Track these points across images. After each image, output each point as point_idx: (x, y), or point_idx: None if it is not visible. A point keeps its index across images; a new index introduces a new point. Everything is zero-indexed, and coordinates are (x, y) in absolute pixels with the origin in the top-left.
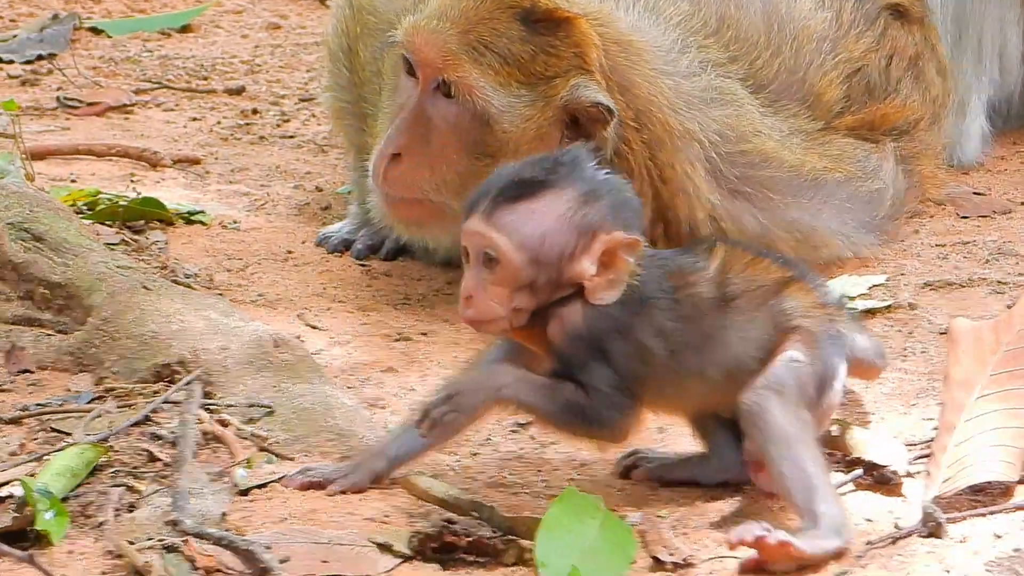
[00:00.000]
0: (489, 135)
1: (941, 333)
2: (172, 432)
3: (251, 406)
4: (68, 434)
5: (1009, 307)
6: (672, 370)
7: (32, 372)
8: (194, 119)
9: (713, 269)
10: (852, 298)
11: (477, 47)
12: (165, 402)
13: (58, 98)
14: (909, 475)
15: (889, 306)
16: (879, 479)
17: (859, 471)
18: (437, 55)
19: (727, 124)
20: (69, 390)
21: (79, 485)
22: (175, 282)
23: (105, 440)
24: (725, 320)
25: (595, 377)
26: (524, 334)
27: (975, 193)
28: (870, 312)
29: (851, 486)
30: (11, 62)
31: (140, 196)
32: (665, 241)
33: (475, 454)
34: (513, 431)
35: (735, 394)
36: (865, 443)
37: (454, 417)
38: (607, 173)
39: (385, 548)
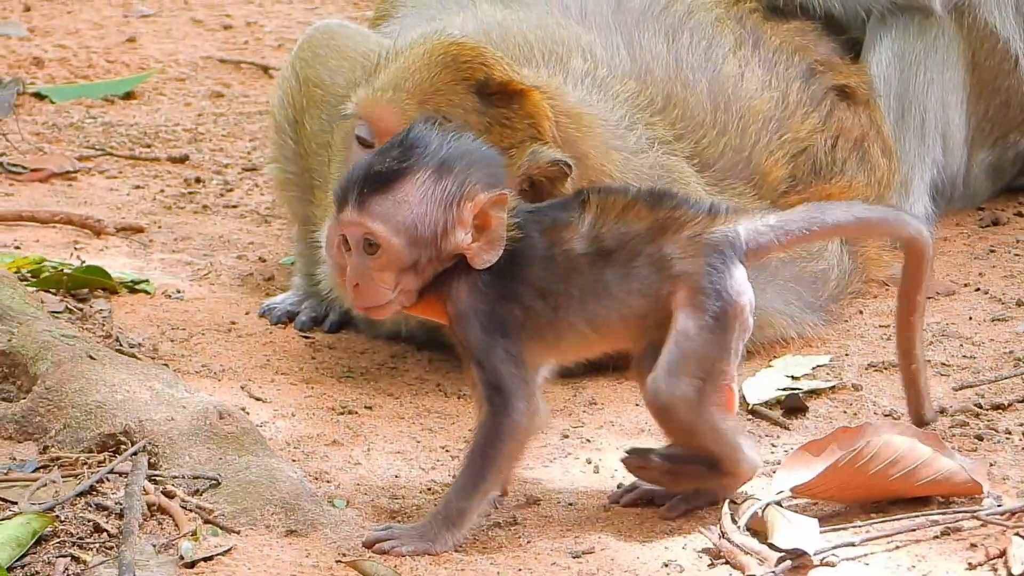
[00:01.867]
0: None
1: (886, 415)
2: (118, 503)
3: (196, 478)
4: (13, 503)
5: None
6: (562, 325)
7: None
8: (137, 187)
9: (586, 223)
10: (796, 378)
11: (435, 117)
12: (110, 472)
13: (1, 163)
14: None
15: (834, 387)
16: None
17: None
18: (397, 124)
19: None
20: (14, 458)
21: (24, 555)
22: (120, 351)
23: (51, 510)
24: (604, 274)
25: (495, 355)
26: (420, 309)
27: None
28: (814, 393)
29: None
30: None
31: (84, 264)
32: None
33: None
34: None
35: (634, 336)
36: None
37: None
38: (452, 138)
39: None
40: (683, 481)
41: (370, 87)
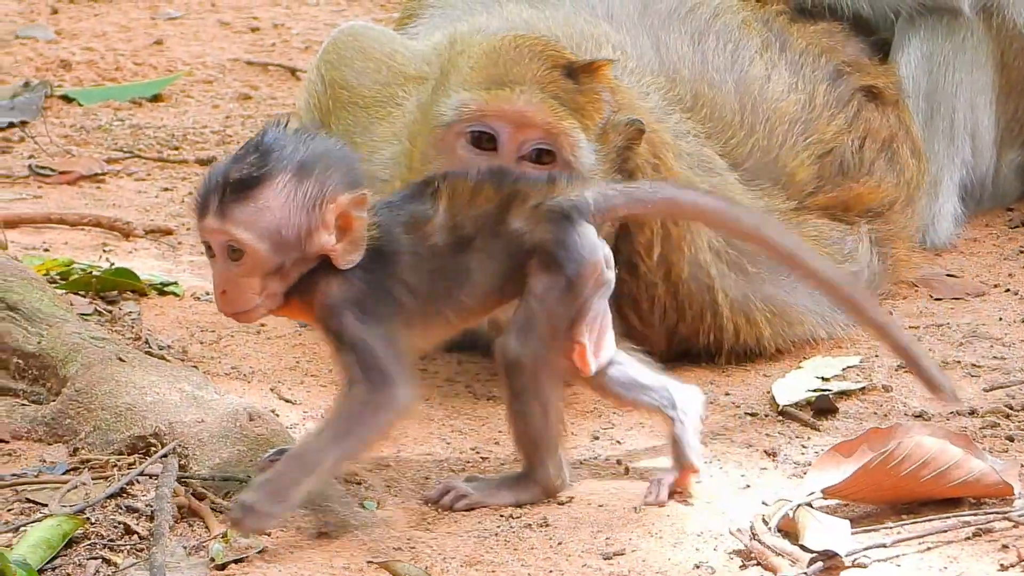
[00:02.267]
0: None
1: (916, 416)
2: (148, 505)
3: (227, 479)
4: (44, 505)
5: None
6: (429, 315)
7: (6, 442)
8: (166, 189)
9: (441, 214)
10: (827, 379)
11: (564, 105)
12: (141, 474)
13: (30, 166)
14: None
15: (864, 388)
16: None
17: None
18: (544, 117)
19: (713, 190)
20: (44, 461)
21: (55, 557)
22: (149, 354)
23: (81, 512)
24: (467, 261)
25: (372, 340)
26: (287, 311)
27: (948, 275)
28: (844, 394)
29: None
30: None
31: (113, 266)
32: (669, 283)
33: (450, 532)
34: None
35: (492, 310)
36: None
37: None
38: (307, 139)
39: None
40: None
41: (469, 89)
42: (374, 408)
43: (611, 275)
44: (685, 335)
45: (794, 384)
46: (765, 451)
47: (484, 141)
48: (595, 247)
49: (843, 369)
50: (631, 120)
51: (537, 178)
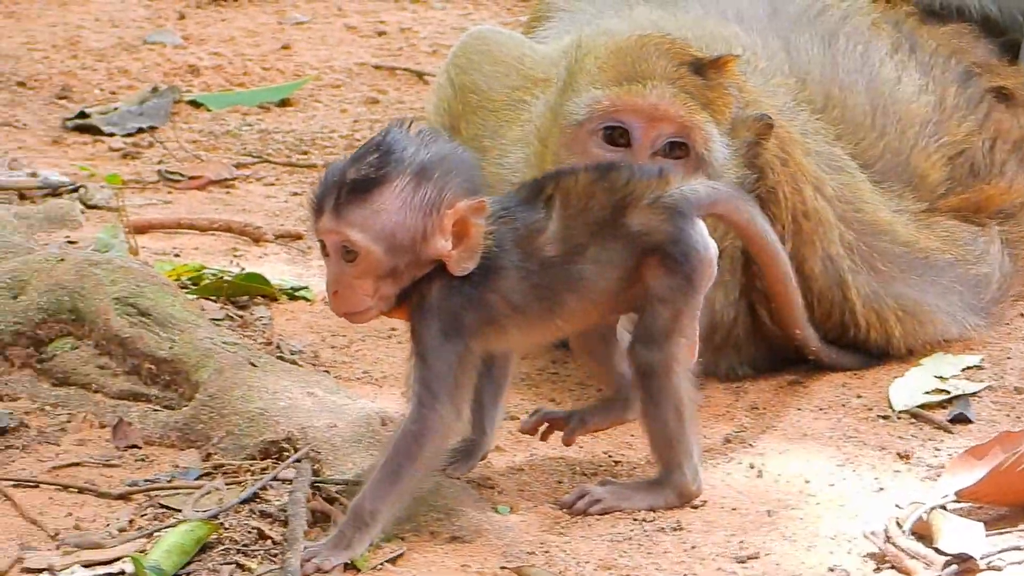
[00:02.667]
0: None
1: None
2: (281, 510)
3: (359, 484)
4: (177, 510)
5: None
6: (530, 324)
7: (139, 447)
8: (295, 194)
9: (555, 223)
10: (944, 379)
11: (695, 100)
12: (274, 479)
13: (159, 171)
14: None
15: (993, 388)
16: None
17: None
18: (674, 111)
19: (844, 187)
20: (177, 466)
21: (189, 563)
22: (281, 359)
23: (215, 517)
24: (580, 269)
25: (441, 358)
26: (399, 312)
27: None
28: (973, 395)
29: None
30: (112, 135)
31: (244, 271)
32: (799, 279)
33: (584, 537)
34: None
35: (603, 314)
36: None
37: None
38: (429, 142)
39: None
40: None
41: (600, 87)
42: (418, 440)
43: (716, 270)
44: (816, 328)
45: (912, 384)
46: (898, 454)
47: (617, 137)
48: (708, 242)
49: (963, 369)
50: (760, 115)
51: (649, 172)
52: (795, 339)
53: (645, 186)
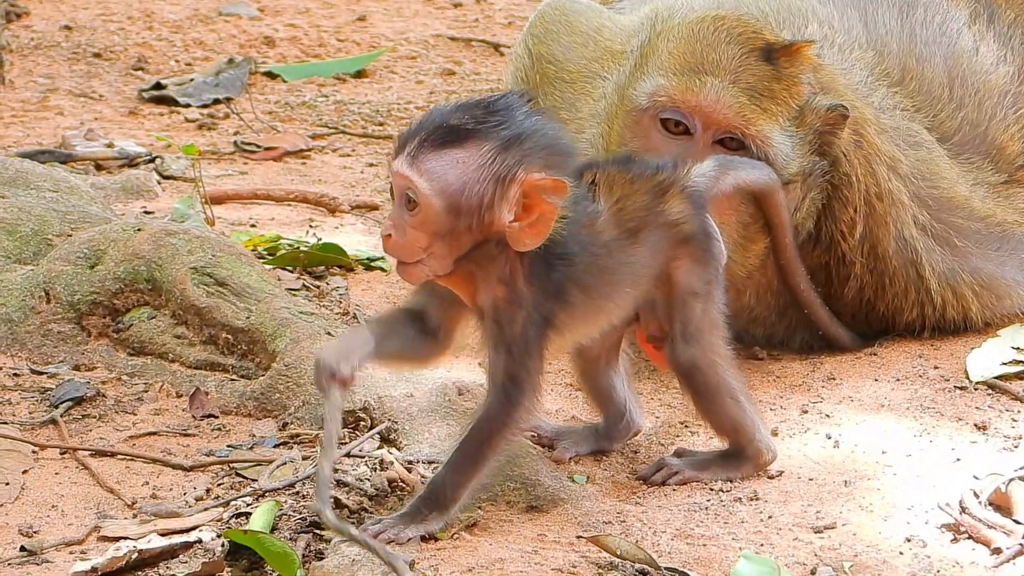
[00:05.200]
0: None
1: None
2: (358, 479)
3: (437, 453)
4: (254, 480)
5: None
6: (593, 311)
7: (216, 417)
8: (371, 165)
9: (607, 209)
10: (1022, 349)
11: (755, 96)
12: (351, 449)
13: (235, 142)
14: None
15: None
16: None
17: None
18: (731, 112)
19: (919, 164)
20: (253, 435)
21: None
22: None
23: (291, 487)
24: (635, 254)
25: (529, 349)
26: (452, 281)
27: None
28: None
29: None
30: (188, 106)
31: (320, 242)
32: (872, 260)
33: (660, 506)
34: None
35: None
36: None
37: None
38: (534, 116)
39: None
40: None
41: (664, 73)
42: (501, 432)
43: None
44: (885, 312)
45: (989, 355)
46: (975, 424)
47: (676, 126)
48: (716, 228)
49: None
50: (833, 105)
51: (660, 165)
52: (799, 298)
53: (672, 175)
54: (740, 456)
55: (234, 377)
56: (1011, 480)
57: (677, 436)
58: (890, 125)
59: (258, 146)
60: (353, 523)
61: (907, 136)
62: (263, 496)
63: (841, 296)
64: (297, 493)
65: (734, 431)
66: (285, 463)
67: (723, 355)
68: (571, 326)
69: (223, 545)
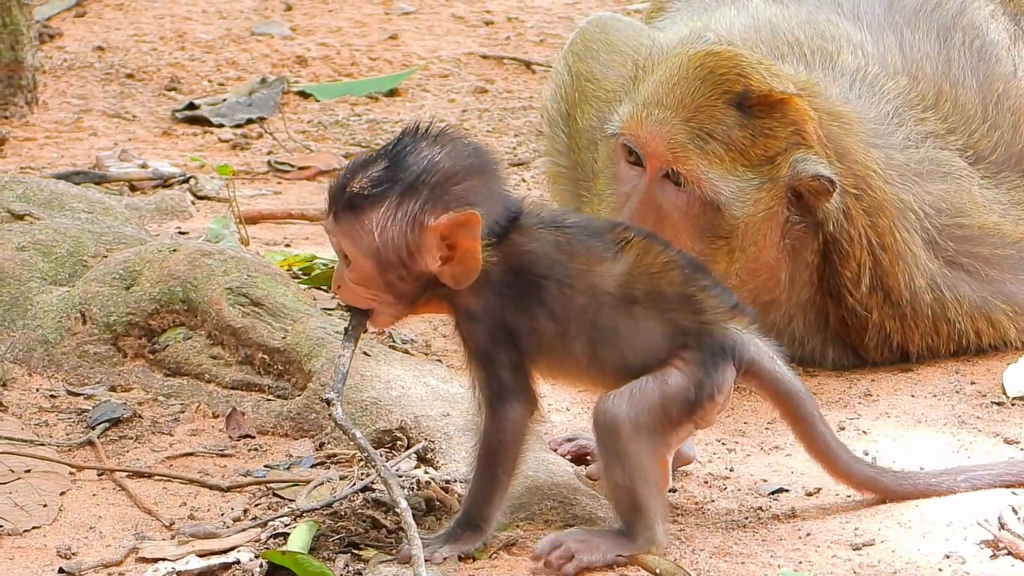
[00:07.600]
0: (720, 220)
1: None
2: (395, 499)
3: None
4: (291, 500)
5: None
6: (563, 352)
7: (253, 437)
8: None
9: (623, 265)
10: None
11: (700, 136)
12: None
13: (269, 162)
14: None
15: None
16: None
17: None
18: (664, 147)
19: (943, 198)
20: (290, 455)
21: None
22: (393, 348)
23: (329, 506)
24: (620, 321)
25: (498, 360)
26: (428, 310)
27: None
28: None
29: None
30: (221, 126)
31: None
32: (889, 307)
33: (699, 524)
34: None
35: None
36: None
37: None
38: (436, 150)
39: None
40: None
41: (632, 103)
42: (501, 443)
43: (712, 422)
44: (920, 352)
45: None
46: (1013, 440)
47: (629, 155)
48: (726, 392)
49: None
50: (818, 175)
51: (724, 296)
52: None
53: (714, 304)
54: (632, 537)
55: (270, 397)
56: None
57: (715, 454)
58: (912, 160)
59: (291, 166)
60: (391, 543)
61: (933, 169)
62: (301, 516)
63: (863, 344)
64: (335, 513)
65: (635, 512)
66: (322, 483)
67: (652, 438)
68: (540, 352)
69: (261, 566)
